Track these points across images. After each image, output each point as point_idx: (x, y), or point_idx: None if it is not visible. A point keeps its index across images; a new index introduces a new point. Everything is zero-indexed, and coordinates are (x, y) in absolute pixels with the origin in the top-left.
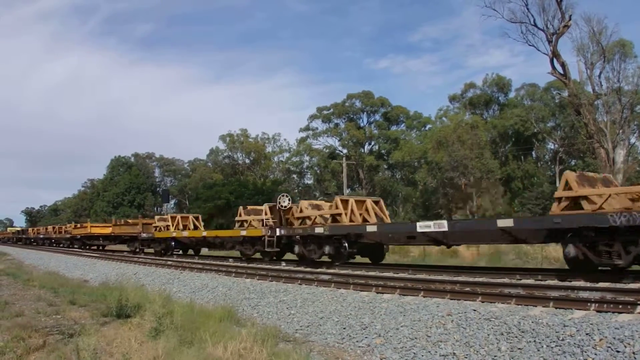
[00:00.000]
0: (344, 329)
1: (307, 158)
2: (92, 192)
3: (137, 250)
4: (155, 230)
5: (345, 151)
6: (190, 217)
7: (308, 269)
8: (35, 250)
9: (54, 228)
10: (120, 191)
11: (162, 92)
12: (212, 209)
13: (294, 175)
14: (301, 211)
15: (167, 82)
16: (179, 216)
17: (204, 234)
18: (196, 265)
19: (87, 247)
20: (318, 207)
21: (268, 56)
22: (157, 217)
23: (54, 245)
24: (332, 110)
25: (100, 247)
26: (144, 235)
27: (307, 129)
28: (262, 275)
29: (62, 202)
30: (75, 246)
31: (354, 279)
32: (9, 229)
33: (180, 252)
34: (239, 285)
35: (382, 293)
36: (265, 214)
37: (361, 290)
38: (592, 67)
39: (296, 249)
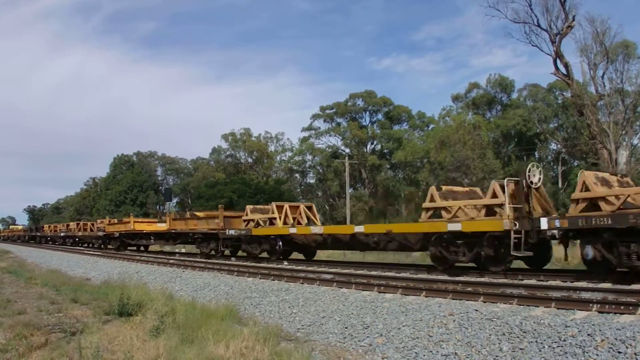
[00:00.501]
0: (346, 328)
1: (309, 157)
2: (94, 191)
3: (217, 253)
4: (248, 224)
5: (347, 150)
6: (302, 206)
7: (310, 268)
8: (37, 248)
9: (78, 224)
10: (123, 189)
11: (164, 91)
12: (215, 208)
13: (297, 175)
14: (586, 189)
15: (169, 81)
16: (286, 205)
17: (359, 229)
18: (198, 264)
19: (125, 247)
20: (608, 183)
21: (270, 55)
22: (250, 208)
23: (79, 245)
24: (334, 109)
25: (142, 248)
26: (231, 232)
27: (309, 128)
28: (264, 274)
29: (65, 201)
30: (111, 247)
31: (356, 279)
32: (12, 226)
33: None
34: (241, 284)
35: (384, 292)
36: (495, 196)
37: (363, 290)
38: (595, 68)
39: (588, 252)
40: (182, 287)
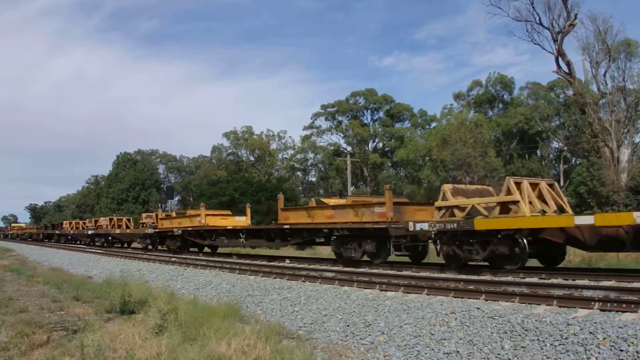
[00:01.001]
0: (348, 326)
1: (311, 155)
2: (96, 189)
3: (376, 258)
4: (444, 214)
5: (349, 148)
6: (542, 184)
7: (312, 266)
8: (38, 247)
9: (111, 220)
10: (125, 187)
11: (166, 89)
12: (217, 206)
13: (298, 173)
14: None
15: (170, 79)
16: (526, 182)
17: None
18: (200, 262)
19: (188, 248)
20: None
21: (272, 53)
22: (449, 188)
23: (112, 245)
24: (336, 107)
25: (208, 249)
26: (420, 226)
27: (311, 126)
28: (265, 272)
29: (66, 199)
30: (163, 248)
31: (358, 277)
32: (13, 224)
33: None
34: (242, 282)
35: (386, 291)
36: None
37: (365, 288)
38: (597, 66)
39: None
40: (184, 285)
